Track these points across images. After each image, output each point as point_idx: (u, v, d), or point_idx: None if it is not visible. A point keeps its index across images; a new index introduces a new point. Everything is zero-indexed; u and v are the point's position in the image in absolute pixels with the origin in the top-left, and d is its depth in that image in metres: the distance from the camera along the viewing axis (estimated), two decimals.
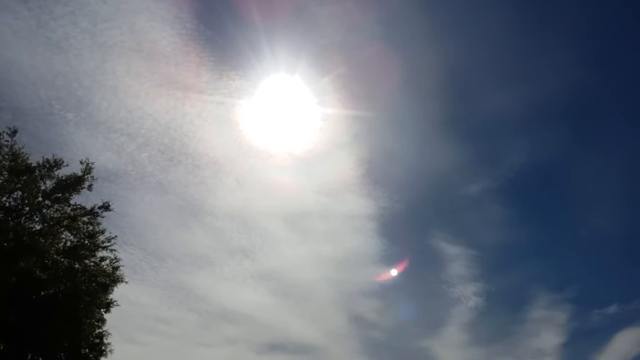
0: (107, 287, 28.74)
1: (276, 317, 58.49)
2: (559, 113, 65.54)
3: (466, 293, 63.91)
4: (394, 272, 58.78)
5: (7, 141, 25.78)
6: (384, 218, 61.54)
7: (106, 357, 28.87)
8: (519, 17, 56.81)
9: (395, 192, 62.49)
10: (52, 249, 26.61)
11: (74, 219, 27.41)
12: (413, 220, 68.90)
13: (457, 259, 64.82)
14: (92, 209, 27.88)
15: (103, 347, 28.85)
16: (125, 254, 29.67)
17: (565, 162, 67.00)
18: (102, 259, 28.67)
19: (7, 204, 26.02)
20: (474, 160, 66.94)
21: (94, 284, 28.02)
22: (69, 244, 27.64)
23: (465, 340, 64.57)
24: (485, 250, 66.91)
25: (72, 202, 27.58)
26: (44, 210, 26.91)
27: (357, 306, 63.02)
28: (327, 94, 51.62)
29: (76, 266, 27.47)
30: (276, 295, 60.02)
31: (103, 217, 28.18)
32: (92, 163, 27.60)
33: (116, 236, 28.75)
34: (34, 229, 26.56)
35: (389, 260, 63.14)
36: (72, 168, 27.29)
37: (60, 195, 27.00)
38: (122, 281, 29.01)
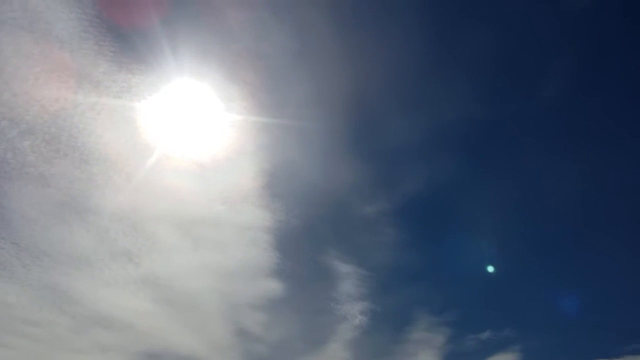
0: None
1: (157, 325, 56.67)
2: (454, 143, 69.83)
3: (353, 311, 65.93)
4: None
5: None
6: (280, 232, 61.97)
7: None
8: (424, 47, 60.10)
9: (294, 206, 63.25)
10: None
11: None
12: (308, 236, 70.03)
13: (347, 278, 66.75)
14: None
15: None
16: None
17: (457, 191, 71.58)
18: None
19: None
20: (372, 182, 69.44)
21: None
22: None
23: (347, 357, 66.51)
24: (375, 271, 69.42)
25: None
26: None
27: (243, 319, 62.72)
28: (234, 100, 51.16)
29: None
30: (159, 302, 58.18)
31: None
32: None
33: None
34: None
35: (280, 274, 63.86)
36: None
37: None
38: None
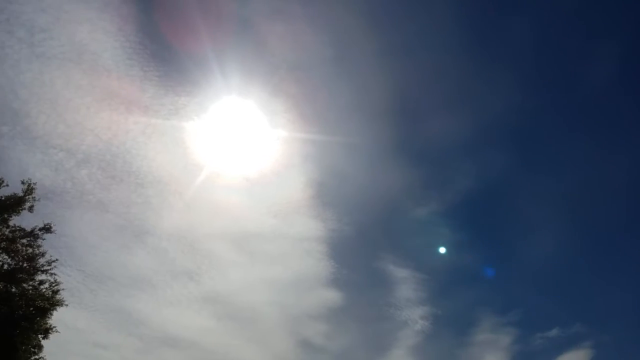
0: (45, 312, 27.59)
1: (221, 341, 57.45)
2: (502, 136, 68.61)
3: (413, 316, 65.04)
4: None
5: None
6: (333, 240, 62.06)
7: None
8: (464, 42, 59.35)
9: (345, 214, 63.27)
10: None
11: (12, 241, 26.44)
12: (362, 243, 69.88)
13: (404, 282, 66.00)
14: (33, 230, 27.01)
15: None
16: (62, 276, 28.56)
17: (510, 185, 69.93)
18: (41, 282, 27.60)
19: None
20: (422, 183, 68.89)
21: (31, 309, 26.92)
22: (5, 267, 26.55)
23: None
24: (432, 274, 68.50)
25: (11, 223, 26.63)
26: None
27: (304, 329, 62.81)
28: (278, 114, 51.96)
29: (13, 290, 26.44)
30: (221, 319, 59.07)
31: (44, 239, 27.37)
32: (34, 183, 26.90)
33: (57, 259, 27.86)
34: None
35: (337, 283, 63.53)
36: (12, 188, 26.49)
37: None
38: (61, 304, 28.01)
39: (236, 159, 54.11)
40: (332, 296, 62.90)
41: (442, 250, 57.50)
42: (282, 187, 56.73)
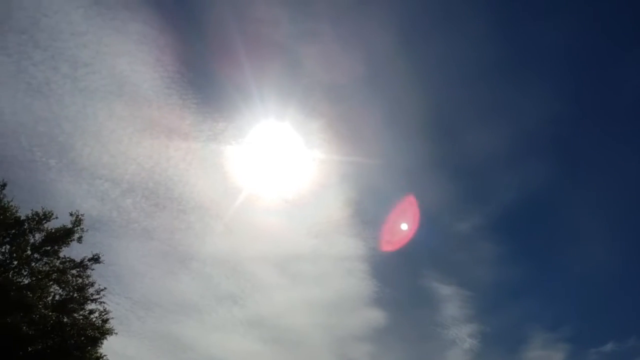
0: (96, 341, 28.03)
1: None
2: (542, 147, 66.84)
3: (461, 335, 63.31)
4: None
5: None
6: (375, 259, 61.35)
7: None
8: (497, 52, 58.42)
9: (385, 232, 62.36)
10: (40, 303, 26.17)
11: (63, 272, 27.06)
12: (404, 261, 68.76)
13: (450, 300, 64.51)
14: (82, 261, 27.60)
15: None
16: (111, 304, 29.00)
17: (553, 196, 67.87)
18: (91, 311, 28.09)
19: None
20: (463, 197, 67.62)
21: (82, 338, 27.36)
22: (57, 297, 27.16)
23: None
24: (478, 290, 66.75)
25: (61, 254, 27.29)
26: (33, 264, 26.56)
27: (349, 350, 61.92)
28: (313, 134, 52.13)
29: (65, 320, 26.93)
30: (267, 342, 58.84)
31: (93, 269, 27.94)
32: (82, 215, 27.56)
33: (105, 288, 28.38)
34: (22, 284, 26.14)
35: (380, 302, 62.54)
36: (61, 219, 27.19)
37: (49, 248, 26.75)
38: (111, 333, 28.39)
39: (274, 181, 54.38)
40: (376, 316, 61.97)
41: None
42: (321, 208, 56.63)
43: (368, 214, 61.85)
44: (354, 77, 54.20)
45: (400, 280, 68.15)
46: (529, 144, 65.21)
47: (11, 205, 26.03)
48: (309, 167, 53.71)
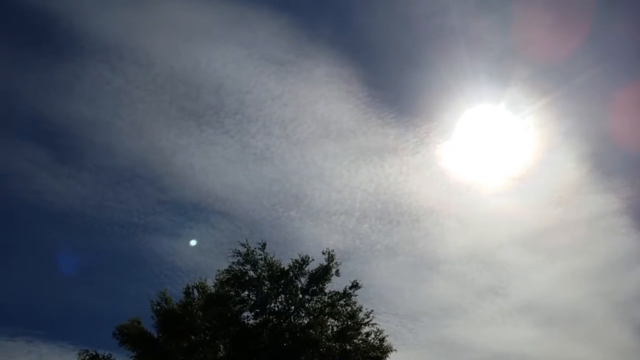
0: None
1: (551, 348, 53.22)
2: None
3: None
4: None
5: (260, 254, 29.08)
6: (634, 208, 53.10)
7: None
8: None
9: (637, 175, 53.94)
10: (323, 337, 28.83)
11: (332, 305, 29.37)
12: None
13: None
14: (345, 291, 29.60)
15: None
16: (382, 323, 30.51)
17: None
18: (367, 334, 29.87)
19: (276, 309, 29.16)
20: None
21: None
22: (335, 329, 29.52)
23: None
24: None
25: (326, 290, 29.55)
26: (306, 305, 29.44)
27: (637, 313, 54.74)
28: (519, 103, 48.03)
29: (348, 348, 29.08)
30: (542, 325, 55.45)
31: (356, 295, 29.71)
32: (332, 251, 29.73)
33: (373, 310, 30.04)
34: (303, 324, 29.11)
35: None
36: (317, 260, 29.63)
37: (315, 287, 29.27)
38: (391, 350, 29.78)
39: (494, 163, 51.39)
40: None
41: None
42: (552, 174, 51.72)
43: (609, 163, 54.22)
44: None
45: None
46: None
47: (275, 260, 29.38)
48: (525, 136, 49.45)
